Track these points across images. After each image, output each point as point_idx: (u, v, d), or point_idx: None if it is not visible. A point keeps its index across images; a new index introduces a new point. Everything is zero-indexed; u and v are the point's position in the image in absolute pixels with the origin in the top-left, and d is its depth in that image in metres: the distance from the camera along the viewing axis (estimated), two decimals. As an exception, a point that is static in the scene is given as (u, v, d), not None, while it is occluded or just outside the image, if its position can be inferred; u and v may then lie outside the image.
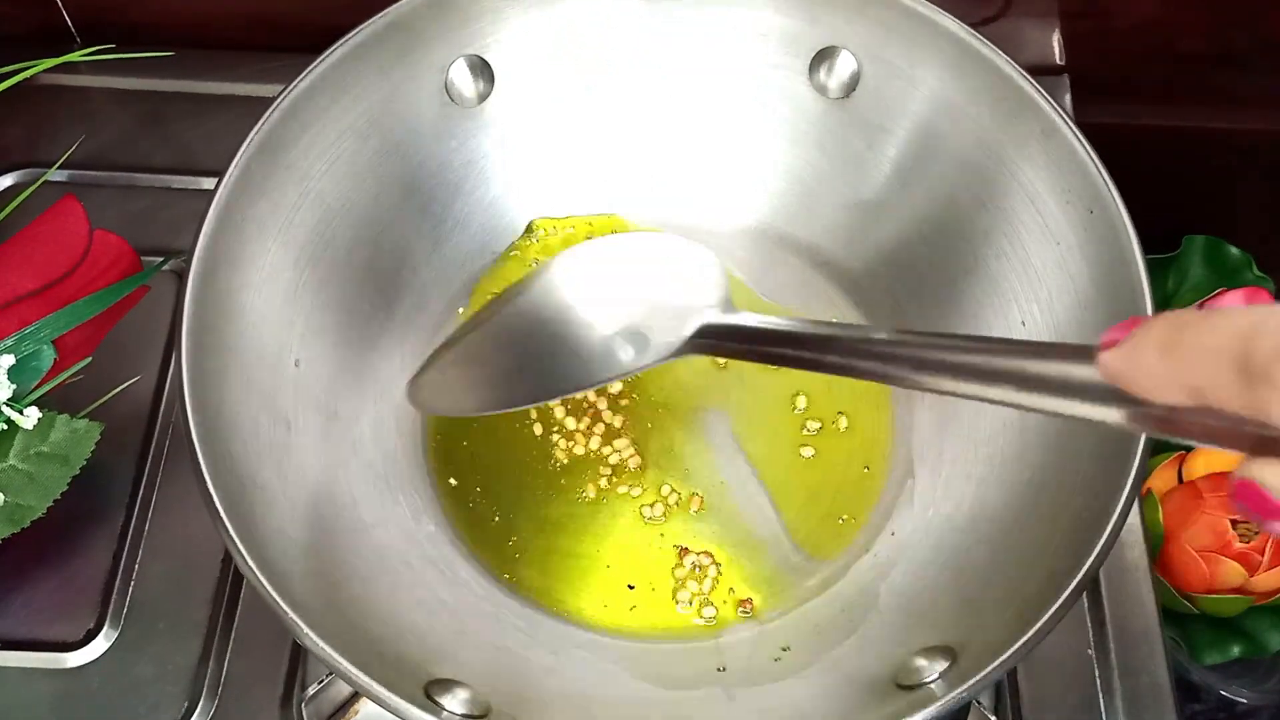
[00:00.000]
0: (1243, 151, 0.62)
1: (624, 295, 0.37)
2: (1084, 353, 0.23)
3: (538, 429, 0.46)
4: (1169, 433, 0.22)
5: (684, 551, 0.44)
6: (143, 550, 0.45)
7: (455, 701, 0.35)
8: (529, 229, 0.49)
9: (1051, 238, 0.42)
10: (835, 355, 0.31)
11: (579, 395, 0.46)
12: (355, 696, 0.42)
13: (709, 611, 0.42)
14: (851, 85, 0.46)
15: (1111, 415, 0.23)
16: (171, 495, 0.46)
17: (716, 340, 0.35)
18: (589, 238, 0.50)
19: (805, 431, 0.46)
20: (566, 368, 0.37)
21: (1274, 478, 0.20)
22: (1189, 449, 0.53)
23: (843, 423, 0.46)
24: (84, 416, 0.43)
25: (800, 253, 0.49)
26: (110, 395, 0.46)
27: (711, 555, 0.44)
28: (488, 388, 0.39)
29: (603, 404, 0.46)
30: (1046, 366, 0.24)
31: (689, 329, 0.35)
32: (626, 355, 0.36)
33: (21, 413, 0.41)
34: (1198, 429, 0.21)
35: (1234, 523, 0.50)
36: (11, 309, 0.44)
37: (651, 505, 0.45)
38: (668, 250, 0.38)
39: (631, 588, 0.43)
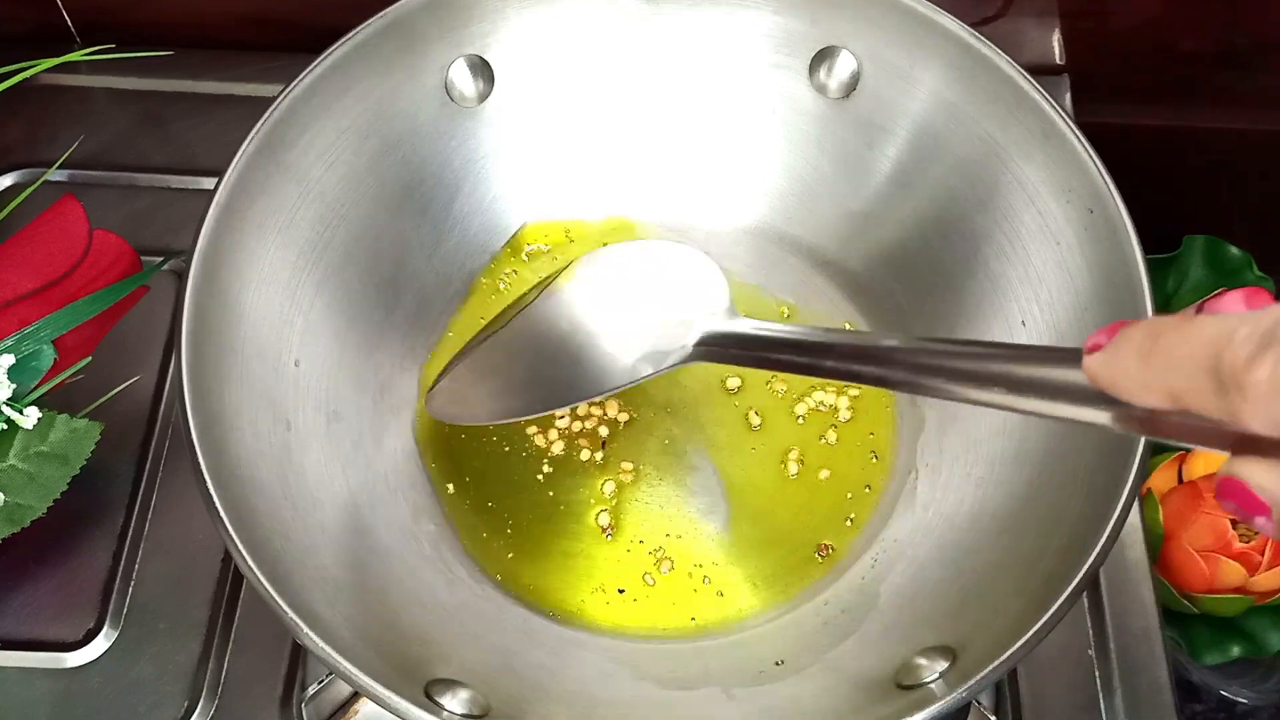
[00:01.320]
0: (1243, 151, 0.62)
1: (631, 304, 0.39)
2: (1071, 356, 0.24)
3: (535, 431, 0.46)
4: (1153, 433, 0.23)
5: (684, 552, 0.44)
6: (143, 550, 0.45)
7: (455, 701, 0.35)
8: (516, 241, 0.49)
9: (1051, 237, 0.42)
10: (833, 360, 0.33)
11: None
12: (355, 696, 0.42)
13: (710, 612, 0.42)
14: (851, 85, 0.46)
15: (1099, 417, 0.24)
16: (171, 495, 0.46)
17: (721, 347, 0.37)
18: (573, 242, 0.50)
19: (803, 424, 0.46)
20: (577, 377, 0.38)
21: (1256, 474, 0.21)
22: (1189, 449, 0.53)
23: (844, 420, 0.46)
24: (84, 416, 0.43)
25: (800, 253, 0.49)
26: (110, 395, 0.46)
27: (711, 556, 0.44)
28: (501, 397, 0.41)
29: (601, 410, 0.46)
30: (1036, 370, 0.25)
31: (693, 337, 0.37)
32: (634, 364, 0.38)
33: (21, 412, 0.41)
34: (1180, 429, 0.22)
35: (1234, 523, 0.50)
36: (11, 309, 0.44)
37: (648, 506, 0.44)
38: (670, 258, 0.39)
39: (622, 592, 0.43)
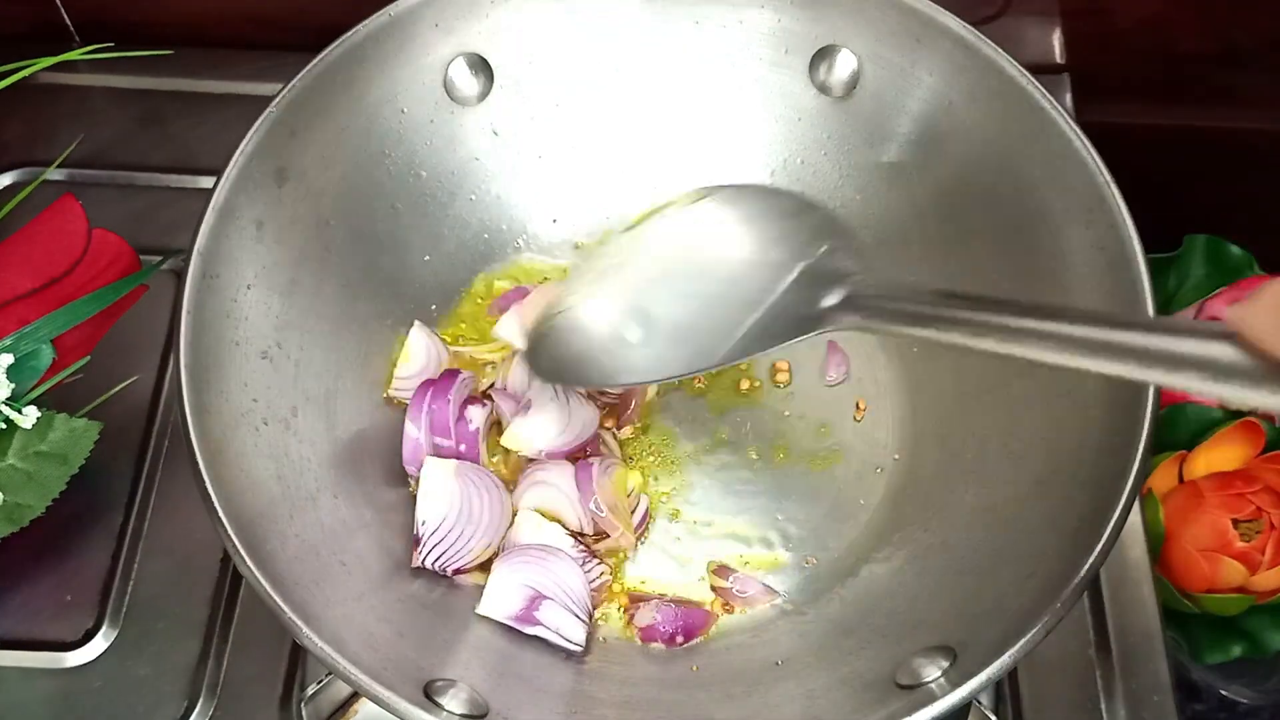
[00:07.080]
0: (1243, 151, 0.62)
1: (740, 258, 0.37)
2: (1212, 330, 0.25)
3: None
4: None
5: (682, 554, 0.44)
6: (142, 550, 0.45)
7: (455, 701, 0.35)
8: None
9: (1051, 237, 0.41)
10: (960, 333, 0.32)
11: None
12: (355, 696, 0.42)
13: (707, 613, 0.42)
14: (852, 84, 0.46)
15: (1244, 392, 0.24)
16: (171, 495, 0.46)
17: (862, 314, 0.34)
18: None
19: (802, 423, 0.46)
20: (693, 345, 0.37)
21: None
22: (1190, 448, 0.53)
23: (845, 420, 0.46)
24: (83, 416, 0.43)
25: (800, 252, 0.49)
26: (109, 395, 0.46)
27: (707, 556, 0.44)
28: (608, 361, 0.39)
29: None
30: (1179, 343, 0.25)
31: (830, 300, 0.34)
32: (757, 334, 0.35)
33: (20, 412, 0.41)
34: None
35: (1235, 522, 0.50)
36: (10, 308, 0.44)
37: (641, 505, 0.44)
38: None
39: (615, 591, 0.43)
